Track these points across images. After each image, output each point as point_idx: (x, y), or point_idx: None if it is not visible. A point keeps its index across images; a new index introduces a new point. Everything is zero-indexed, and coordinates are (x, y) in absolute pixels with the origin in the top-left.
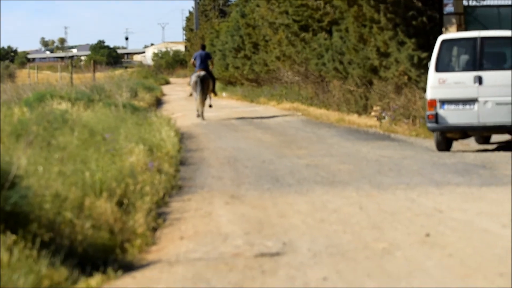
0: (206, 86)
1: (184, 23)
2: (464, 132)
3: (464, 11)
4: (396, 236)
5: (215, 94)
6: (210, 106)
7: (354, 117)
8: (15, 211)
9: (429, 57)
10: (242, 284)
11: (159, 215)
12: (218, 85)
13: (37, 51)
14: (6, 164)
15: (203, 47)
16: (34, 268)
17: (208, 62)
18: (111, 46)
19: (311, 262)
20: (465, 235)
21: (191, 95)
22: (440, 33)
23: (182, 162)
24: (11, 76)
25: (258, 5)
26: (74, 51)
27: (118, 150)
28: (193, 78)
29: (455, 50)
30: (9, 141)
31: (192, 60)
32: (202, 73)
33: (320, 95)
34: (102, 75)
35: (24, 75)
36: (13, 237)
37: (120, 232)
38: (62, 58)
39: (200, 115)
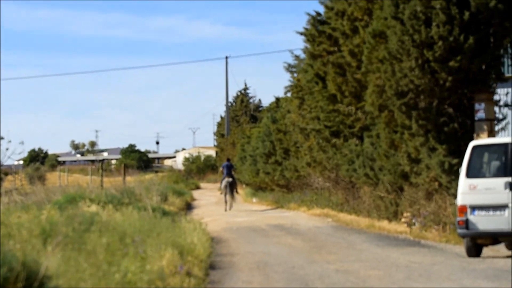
0: (233, 187)
1: (215, 128)
2: (494, 238)
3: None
4: None
5: (237, 192)
6: (231, 208)
7: (384, 223)
8: None
9: (460, 163)
10: None
11: None
12: (248, 190)
13: (67, 154)
14: (35, 264)
15: (228, 160)
16: None
17: (232, 170)
18: (142, 150)
19: None
20: None
21: (221, 193)
22: (471, 139)
23: (212, 266)
24: (41, 179)
25: (289, 111)
26: (105, 154)
27: (147, 253)
28: (224, 183)
29: (486, 156)
30: (38, 242)
31: (221, 169)
32: (230, 179)
33: (351, 201)
34: (132, 179)
35: (54, 177)
36: None
37: None
38: (92, 161)
39: (229, 207)
